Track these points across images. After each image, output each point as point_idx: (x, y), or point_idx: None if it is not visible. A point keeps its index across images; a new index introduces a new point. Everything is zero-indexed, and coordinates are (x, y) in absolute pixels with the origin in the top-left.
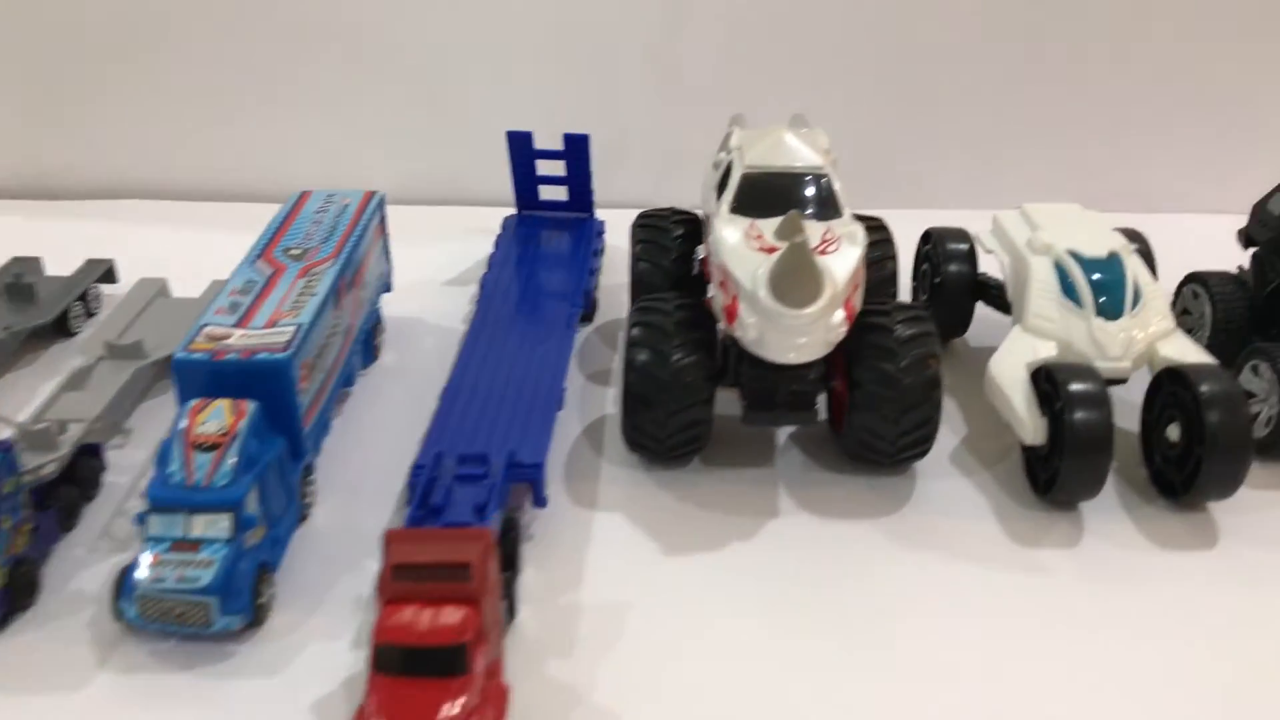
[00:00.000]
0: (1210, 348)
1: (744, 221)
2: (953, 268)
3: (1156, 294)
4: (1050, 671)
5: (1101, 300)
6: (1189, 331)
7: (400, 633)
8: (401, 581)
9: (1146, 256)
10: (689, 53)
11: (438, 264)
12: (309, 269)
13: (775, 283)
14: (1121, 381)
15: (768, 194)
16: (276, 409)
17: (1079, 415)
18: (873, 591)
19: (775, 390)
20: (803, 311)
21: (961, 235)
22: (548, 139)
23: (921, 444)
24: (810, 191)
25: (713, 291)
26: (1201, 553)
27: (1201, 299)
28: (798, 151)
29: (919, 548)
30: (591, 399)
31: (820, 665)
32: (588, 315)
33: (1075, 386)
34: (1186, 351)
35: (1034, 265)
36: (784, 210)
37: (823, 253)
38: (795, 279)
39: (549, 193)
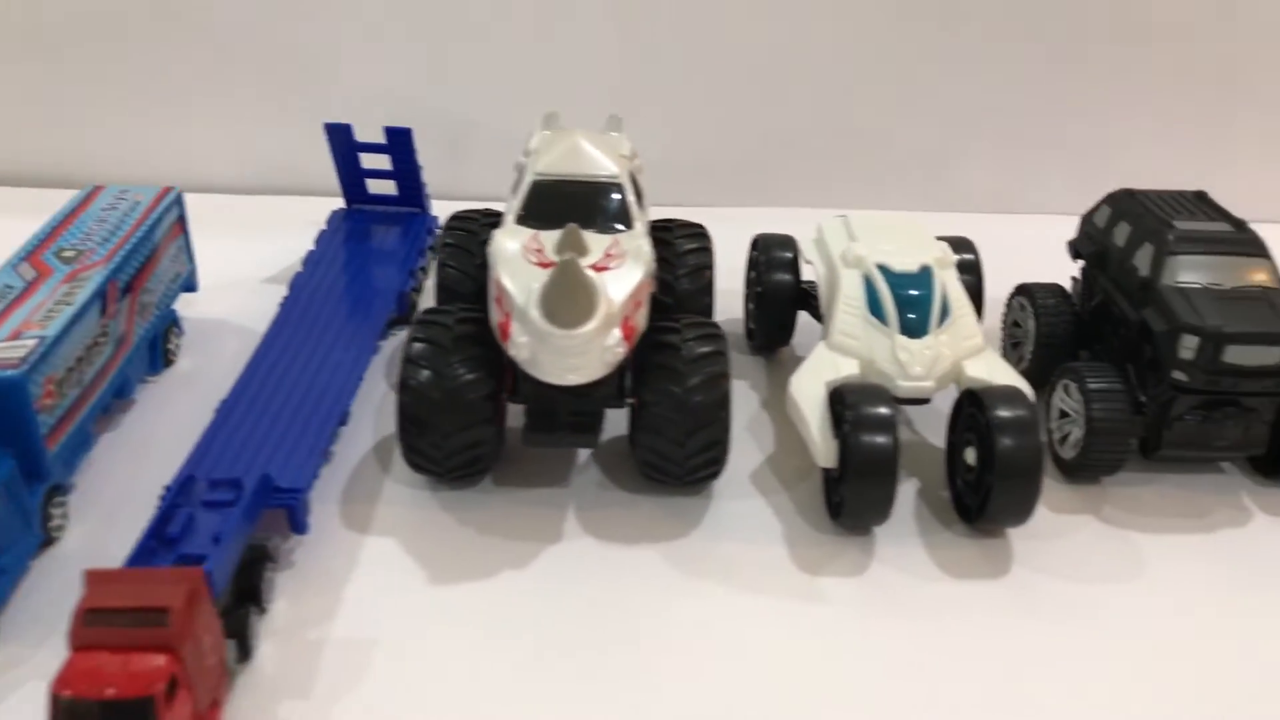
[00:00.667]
0: (1033, 363)
1: (526, 233)
2: (775, 276)
3: (966, 311)
4: (814, 703)
5: (907, 317)
6: (1015, 345)
7: (81, 684)
8: (94, 627)
9: (973, 268)
10: (550, 48)
11: (261, 259)
12: (77, 274)
13: (546, 301)
14: (924, 401)
15: (556, 204)
16: (9, 429)
17: (863, 439)
18: (639, 623)
19: (556, 411)
20: (573, 332)
21: (787, 243)
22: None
23: (711, 465)
24: (601, 202)
25: (491, 307)
26: (987, 581)
27: (1027, 311)
28: (592, 159)
29: (697, 575)
30: (389, 411)
31: (571, 702)
32: (405, 319)
33: (862, 409)
34: (994, 371)
35: (843, 279)
36: (573, 220)
37: (603, 269)
38: (569, 297)
39: (381, 187)
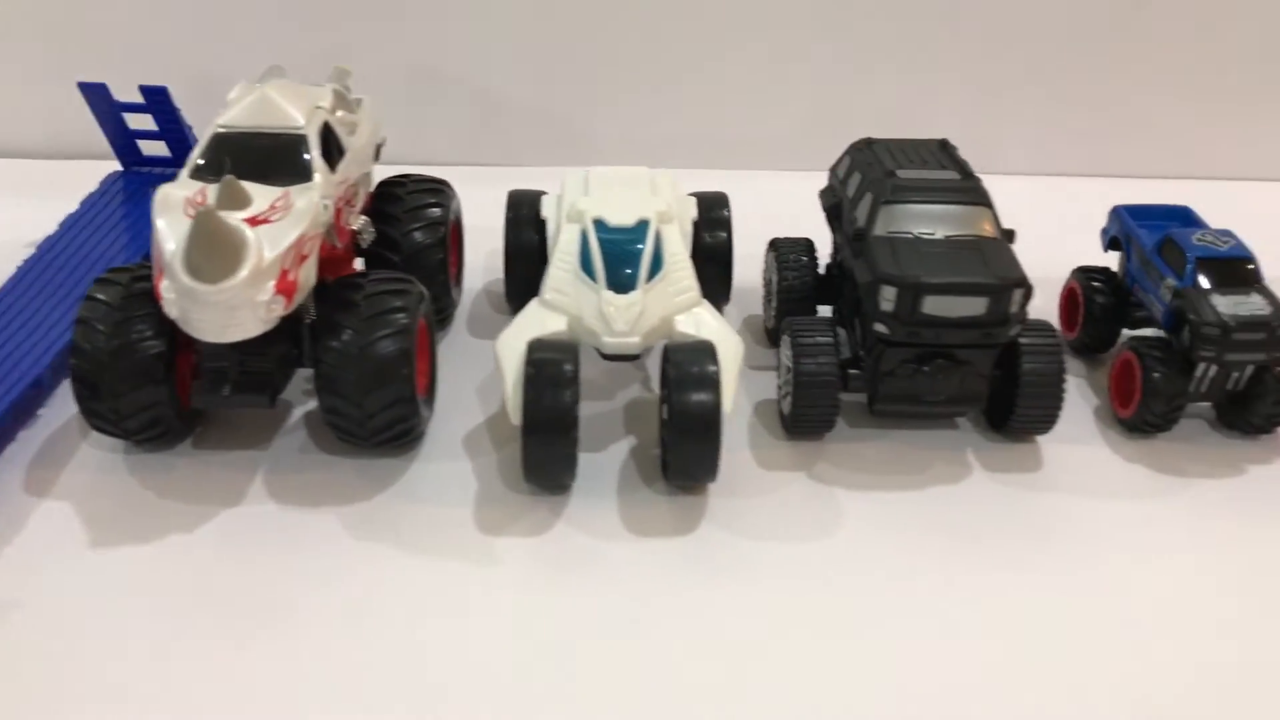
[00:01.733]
0: (776, 318)
1: (195, 186)
2: (523, 234)
3: (681, 265)
4: (473, 666)
5: (620, 272)
6: (768, 301)
7: None
8: None
9: (724, 223)
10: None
11: (36, 223)
12: None
13: (188, 255)
14: (633, 358)
15: (235, 156)
16: None
17: (538, 393)
18: (299, 589)
19: (227, 369)
20: (217, 287)
21: (535, 200)
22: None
23: (399, 424)
24: (280, 155)
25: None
26: (670, 539)
27: (773, 267)
28: (277, 111)
29: (371, 538)
30: None
31: (212, 676)
32: None
33: (539, 364)
34: (703, 326)
35: (562, 234)
36: (252, 173)
37: (263, 222)
38: (209, 251)
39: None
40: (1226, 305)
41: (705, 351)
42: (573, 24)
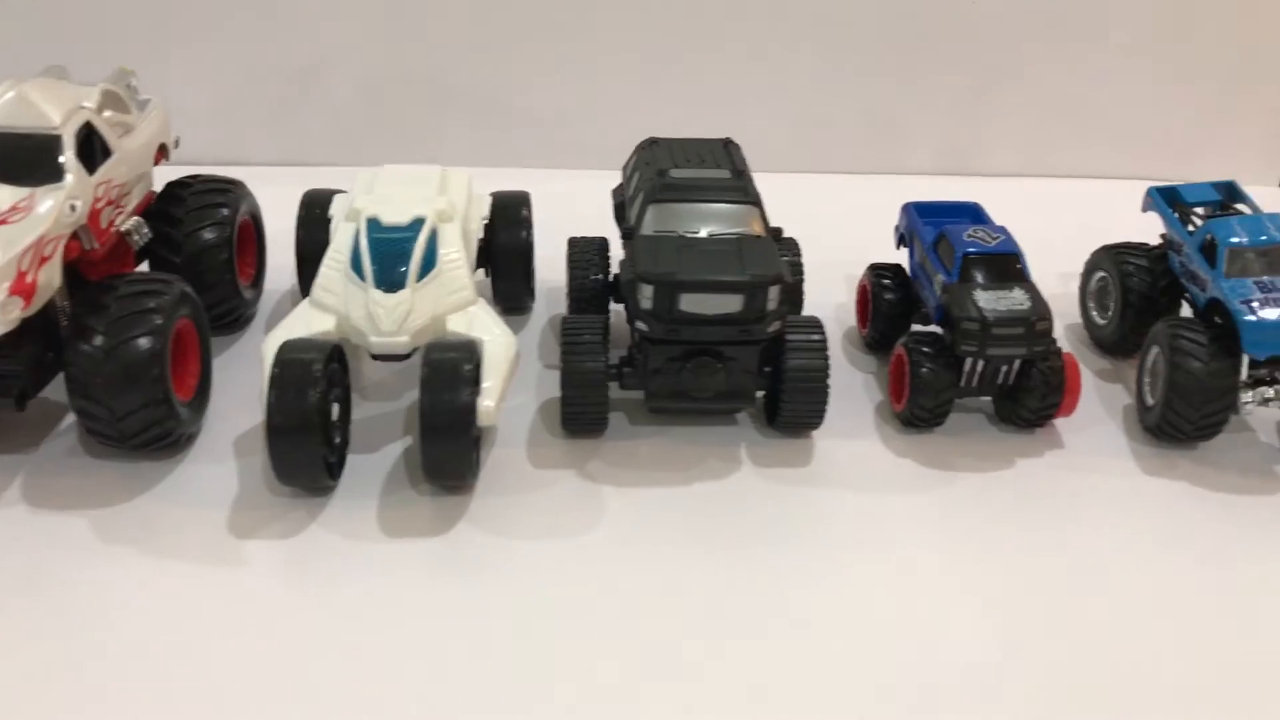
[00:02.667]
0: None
1: None
2: (315, 234)
3: (457, 265)
4: (206, 668)
5: (391, 271)
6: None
7: None
8: None
9: (523, 222)
10: None
11: None
12: None
13: None
14: (402, 357)
15: None
16: None
17: (285, 395)
18: (45, 590)
19: None
20: None
21: (327, 200)
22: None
23: (154, 426)
24: (30, 155)
25: None
26: (423, 540)
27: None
28: (32, 110)
29: (118, 541)
30: None
31: None
32: None
33: (283, 366)
34: (476, 325)
35: (337, 234)
36: (3, 174)
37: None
38: None
39: None
40: (988, 300)
41: (461, 349)
42: (419, 24)
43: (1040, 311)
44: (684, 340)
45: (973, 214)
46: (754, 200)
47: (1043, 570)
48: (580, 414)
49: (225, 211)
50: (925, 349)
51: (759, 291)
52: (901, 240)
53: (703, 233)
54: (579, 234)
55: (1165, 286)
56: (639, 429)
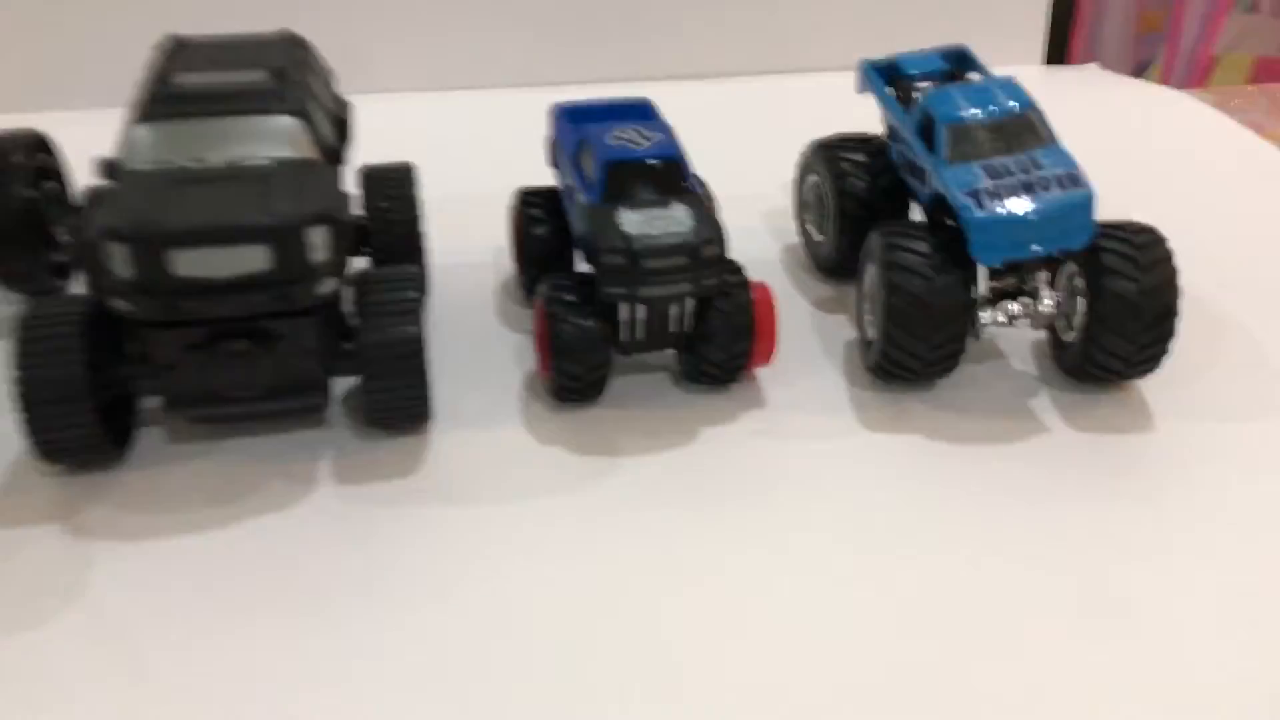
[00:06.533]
0: None
1: None
2: None
3: None
4: None
5: None
6: None
7: None
8: None
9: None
10: None
11: None
12: None
13: None
14: None
15: None
16: None
17: None
18: None
19: None
20: None
21: None
22: None
23: None
24: None
25: None
26: None
27: None
28: None
29: None
30: None
31: None
32: None
33: None
34: None
35: None
36: None
37: None
38: None
39: None
40: (638, 224)
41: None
42: None
43: (706, 233)
44: (194, 319)
45: (641, 115)
46: (297, 110)
47: (727, 584)
48: (52, 441)
49: None
50: (567, 298)
51: (292, 238)
52: (556, 157)
53: (218, 162)
54: None
55: (887, 187)
56: (185, 449)
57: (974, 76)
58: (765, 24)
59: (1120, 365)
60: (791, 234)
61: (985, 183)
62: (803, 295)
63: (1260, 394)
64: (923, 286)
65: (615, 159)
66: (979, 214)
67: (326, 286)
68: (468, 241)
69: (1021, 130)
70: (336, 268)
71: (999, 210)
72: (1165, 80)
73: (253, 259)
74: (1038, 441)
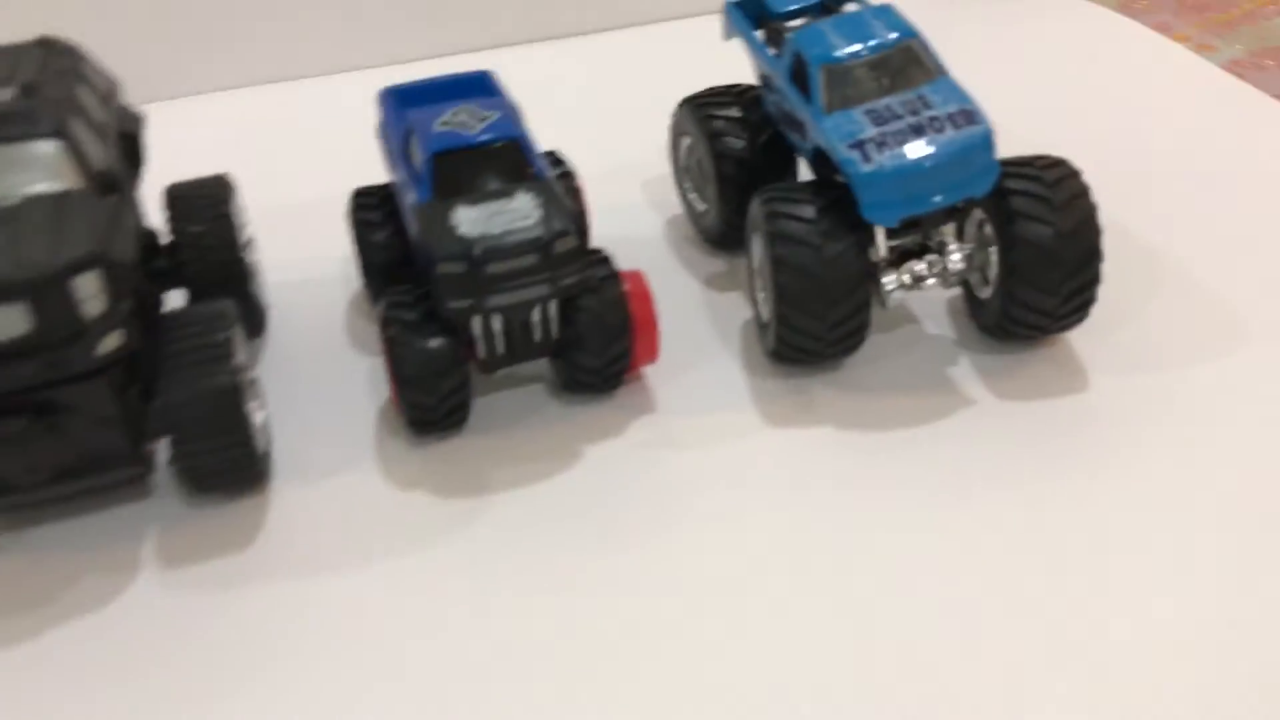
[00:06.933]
0: None
1: None
2: None
3: None
4: None
5: None
6: None
7: None
8: None
9: None
10: None
11: None
12: None
13: None
14: None
15: None
16: None
17: None
18: None
19: None
20: None
21: None
22: None
23: None
24: None
25: None
26: None
27: None
28: None
29: None
30: None
31: None
32: None
33: None
34: None
35: None
36: None
37: None
38: None
39: None
40: (475, 222)
41: None
42: None
43: (558, 224)
44: None
45: (480, 90)
46: (56, 132)
47: (627, 629)
48: None
49: None
50: (407, 316)
51: (53, 291)
52: (385, 147)
53: None
54: None
55: (768, 143)
56: None
57: (851, 8)
58: None
59: (1043, 320)
60: (674, 205)
61: (870, 130)
62: (691, 274)
63: (1200, 333)
64: (811, 258)
65: (443, 148)
66: (866, 168)
67: (109, 343)
68: (309, 254)
69: (905, 64)
70: (118, 318)
71: (887, 162)
72: None
73: (9, 322)
74: (962, 416)
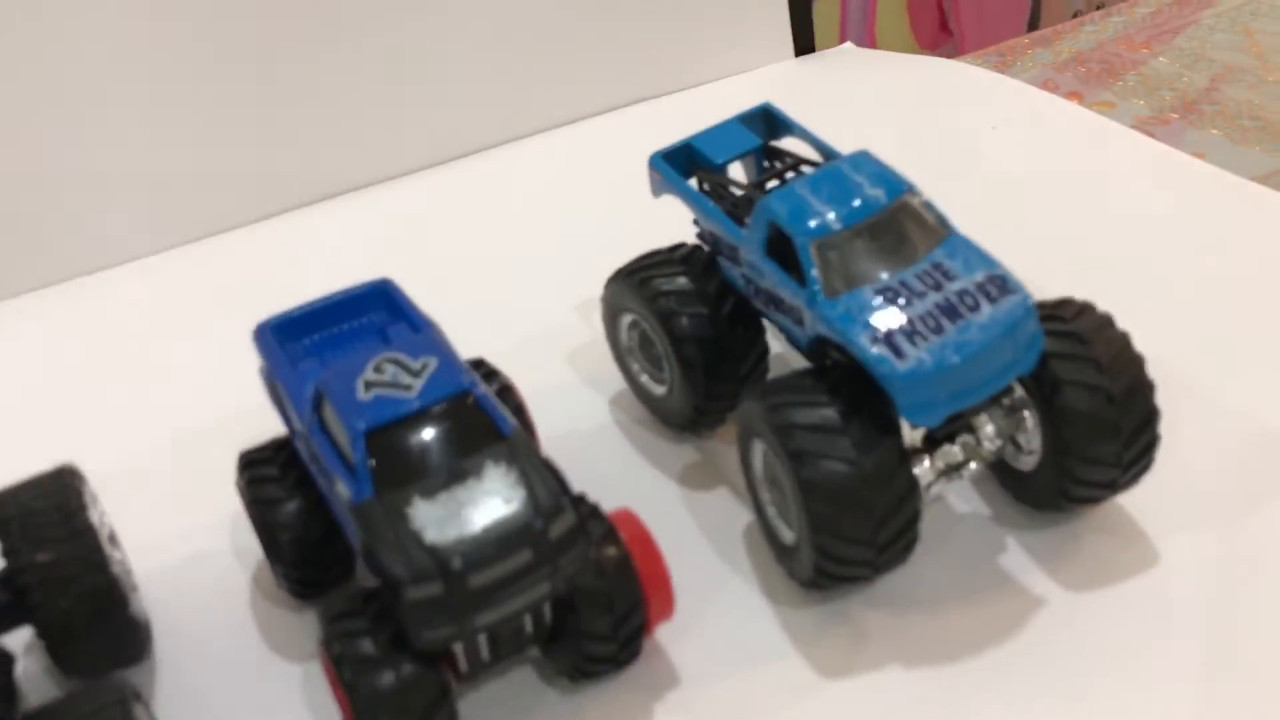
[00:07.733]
0: None
1: None
2: None
3: None
4: None
5: None
6: None
7: None
8: None
9: None
10: None
11: None
12: None
13: None
14: None
15: None
16: None
17: None
18: None
19: None
20: None
21: None
22: None
23: None
24: None
25: None
26: None
27: None
28: None
29: None
30: None
31: None
32: None
33: None
34: None
35: None
36: None
37: None
38: None
39: None
40: (439, 520)
41: None
42: None
43: (548, 499)
44: None
45: (384, 306)
46: None
47: None
48: None
49: None
50: (363, 647)
51: None
52: (275, 396)
53: None
54: None
55: (734, 312)
56: None
57: (792, 143)
58: (490, 85)
59: (1103, 493)
60: (612, 378)
61: (893, 318)
62: (661, 472)
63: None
64: (848, 478)
65: (377, 423)
66: (903, 367)
67: None
68: (180, 525)
69: (906, 226)
70: None
71: (927, 357)
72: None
73: None
74: (1036, 626)
